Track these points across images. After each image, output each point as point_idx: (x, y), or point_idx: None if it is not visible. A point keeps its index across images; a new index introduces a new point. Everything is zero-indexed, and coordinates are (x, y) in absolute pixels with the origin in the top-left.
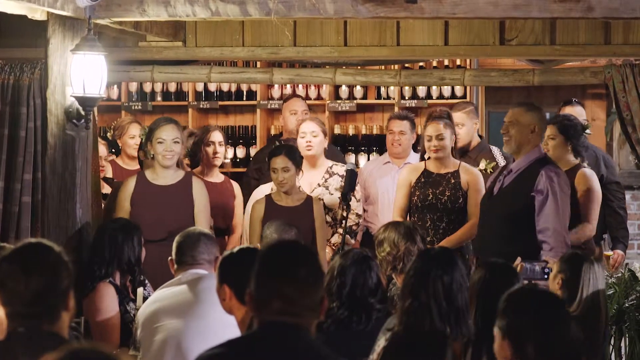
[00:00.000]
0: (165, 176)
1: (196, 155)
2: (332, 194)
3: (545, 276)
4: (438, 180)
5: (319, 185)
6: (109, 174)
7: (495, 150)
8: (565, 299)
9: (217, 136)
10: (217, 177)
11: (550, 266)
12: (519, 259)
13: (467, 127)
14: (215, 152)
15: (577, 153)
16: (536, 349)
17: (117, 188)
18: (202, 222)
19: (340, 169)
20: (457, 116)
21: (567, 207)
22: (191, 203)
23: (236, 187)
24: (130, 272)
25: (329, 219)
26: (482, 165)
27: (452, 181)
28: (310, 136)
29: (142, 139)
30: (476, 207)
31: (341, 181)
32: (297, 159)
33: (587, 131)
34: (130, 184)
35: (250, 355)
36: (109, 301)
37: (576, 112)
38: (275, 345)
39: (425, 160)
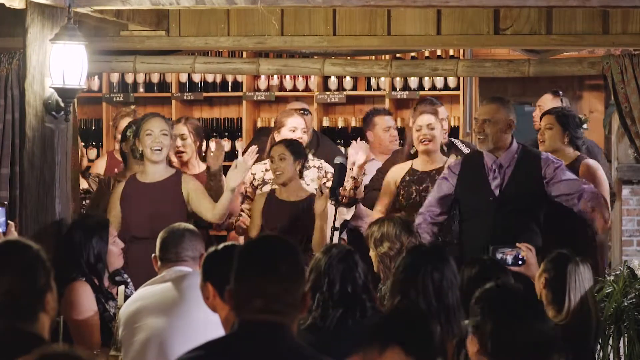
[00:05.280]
0: (154, 172)
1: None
2: (308, 185)
3: (520, 262)
4: (423, 177)
5: None
6: (102, 165)
7: (457, 142)
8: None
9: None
10: (195, 169)
11: (524, 254)
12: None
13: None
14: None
15: (575, 145)
16: (495, 346)
17: (104, 185)
18: (207, 204)
19: (317, 162)
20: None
21: None
22: (181, 199)
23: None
24: (94, 273)
25: None
26: (452, 159)
27: (436, 178)
28: (301, 132)
29: (129, 137)
30: None
31: (318, 172)
32: (296, 150)
33: (584, 126)
34: (120, 186)
35: (232, 357)
36: (85, 299)
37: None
38: (257, 346)
39: (412, 157)
